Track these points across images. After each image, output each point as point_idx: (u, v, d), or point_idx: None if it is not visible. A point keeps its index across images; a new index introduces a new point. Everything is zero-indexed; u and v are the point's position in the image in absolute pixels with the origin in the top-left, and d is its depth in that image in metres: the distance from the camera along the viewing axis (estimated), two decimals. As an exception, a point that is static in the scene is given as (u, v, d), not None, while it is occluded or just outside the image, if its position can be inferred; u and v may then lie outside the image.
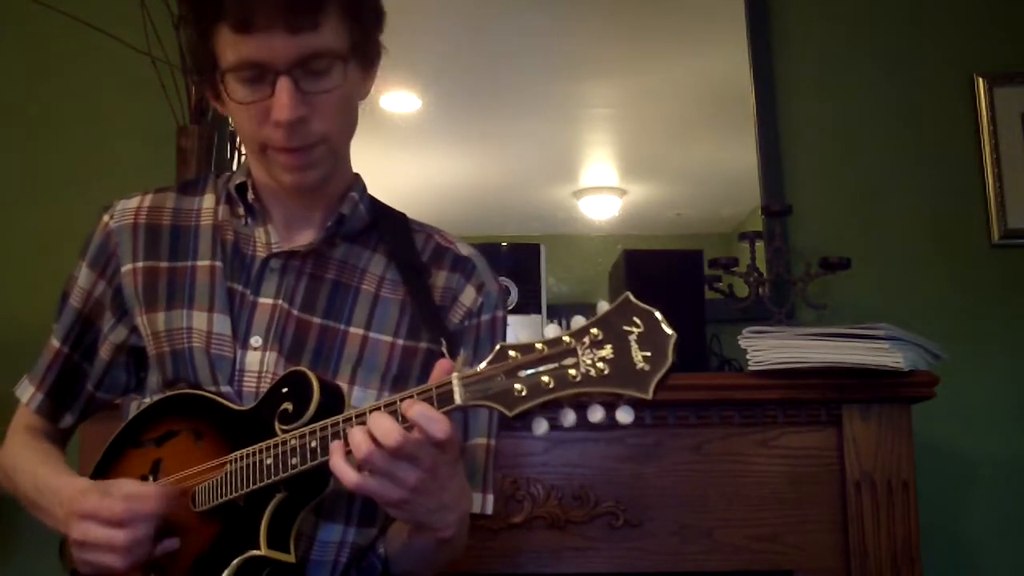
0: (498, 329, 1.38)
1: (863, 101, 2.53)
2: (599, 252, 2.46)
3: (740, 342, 1.99)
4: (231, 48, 1.18)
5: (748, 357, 1.97)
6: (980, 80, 2.53)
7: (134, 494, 1.16)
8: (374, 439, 1.04)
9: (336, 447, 1.06)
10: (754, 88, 2.51)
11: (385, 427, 1.03)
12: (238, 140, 2.31)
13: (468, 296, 1.36)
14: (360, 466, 1.05)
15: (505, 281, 2.08)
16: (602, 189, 2.53)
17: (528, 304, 2.09)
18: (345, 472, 1.05)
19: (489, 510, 1.35)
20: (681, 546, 1.96)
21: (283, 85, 1.17)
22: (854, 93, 2.54)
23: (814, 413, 1.99)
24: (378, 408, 1.06)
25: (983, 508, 2.35)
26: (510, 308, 2.06)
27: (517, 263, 2.12)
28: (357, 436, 1.04)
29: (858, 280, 2.36)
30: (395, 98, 2.55)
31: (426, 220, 1.44)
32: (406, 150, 2.52)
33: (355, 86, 1.27)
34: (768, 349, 1.95)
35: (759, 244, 2.30)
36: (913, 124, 2.52)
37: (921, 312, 2.36)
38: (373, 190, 1.42)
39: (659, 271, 2.11)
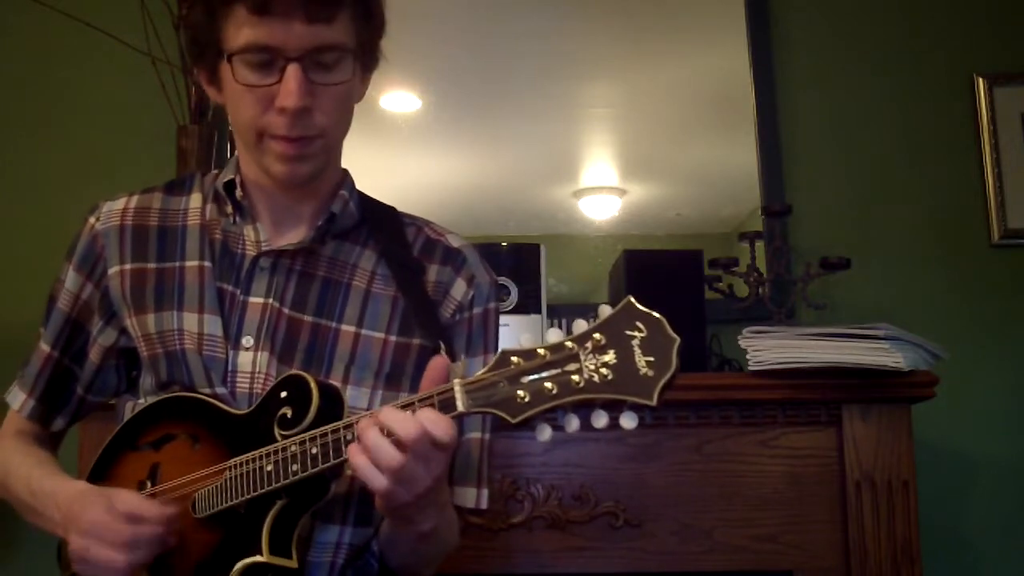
0: (490, 322, 1.37)
1: (863, 101, 2.53)
2: (599, 252, 2.46)
3: (740, 342, 1.99)
4: (244, 30, 1.18)
5: (748, 357, 1.97)
6: (980, 80, 2.53)
7: (137, 515, 1.15)
8: (388, 432, 1.02)
9: (355, 449, 1.04)
10: (754, 88, 2.50)
11: (399, 418, 1.02)
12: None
13: (459, 290, 1.35)
14: (377, 465, 1.03)
15: (505, 281, 2.08)
16: (602, 189, 2.53)
17: (528, 304, 2.09)
18: (374, 476, 1.03)
19: (484, 504, 1.35)
20: (681, 546, 1.96)
21: (293, 72, 1.18)
22: (854, 93, 2.54)
23: (814, 413, 1.99)
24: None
25: (983, 508, 2.35)
26: (510, 308, 2.06)
27: (517, 263, 2.11)
28: (372, 434, 1.03)
29: (858, 280, 2.36)
30: (395, 98, 2.54)
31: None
32: (406, 150, 2.52)
33: (356, 86, 1.28)
34: (768, 349, 1.95)
35: (759, 244, 2.30)
36: (913, 124, 2.52)
37: (921, 312, 2.36)
38: (373, 190, 1.41)
39: (659, 271, 2.11)
